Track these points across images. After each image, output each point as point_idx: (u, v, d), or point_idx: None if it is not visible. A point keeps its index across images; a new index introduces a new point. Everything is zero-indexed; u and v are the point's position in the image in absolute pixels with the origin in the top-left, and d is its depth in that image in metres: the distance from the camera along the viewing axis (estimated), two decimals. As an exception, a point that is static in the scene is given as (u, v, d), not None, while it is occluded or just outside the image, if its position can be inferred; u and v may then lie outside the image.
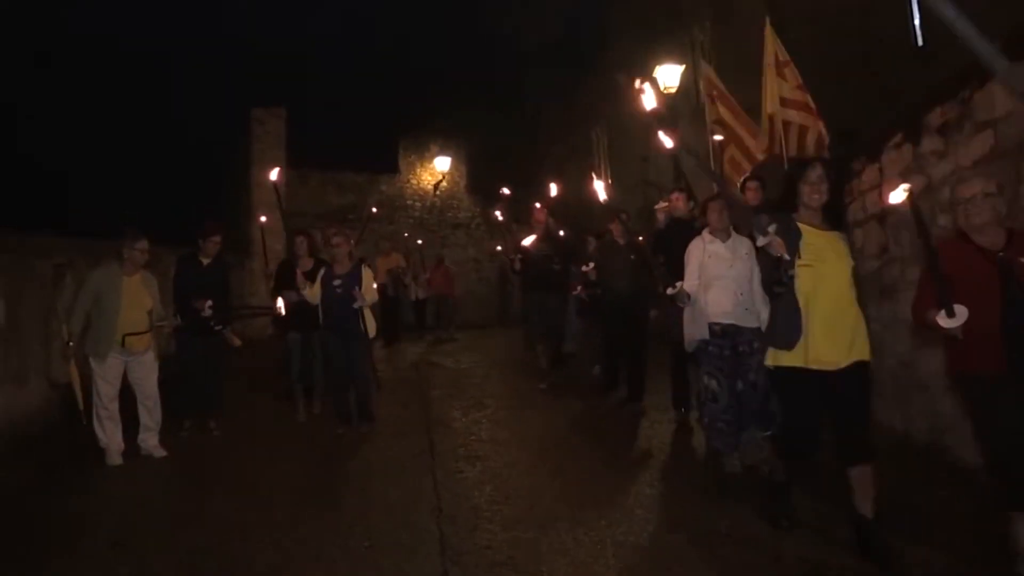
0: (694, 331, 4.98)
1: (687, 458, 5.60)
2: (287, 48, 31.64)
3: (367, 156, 21.05)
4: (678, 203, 6.49)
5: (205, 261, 6.73)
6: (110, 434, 5.81)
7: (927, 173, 5.21)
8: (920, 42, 10.63)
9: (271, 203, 18.21)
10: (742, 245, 4.98)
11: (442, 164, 21.22)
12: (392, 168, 21.38)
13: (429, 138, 21.50)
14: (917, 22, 11.49)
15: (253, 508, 4.73)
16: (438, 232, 21.12)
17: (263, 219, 10.23)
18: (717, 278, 4.93)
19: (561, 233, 8.80)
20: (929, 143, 5.19)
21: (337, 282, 6.64)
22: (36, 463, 5.88)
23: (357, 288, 6.51)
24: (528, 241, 8.35)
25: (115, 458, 5.80)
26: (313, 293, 6.68)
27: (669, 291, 4.90)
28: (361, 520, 4.43)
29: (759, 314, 4.58)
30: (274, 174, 7.94)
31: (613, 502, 4.61)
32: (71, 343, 5.81)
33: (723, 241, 5.04)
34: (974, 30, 1.75)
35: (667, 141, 4.35)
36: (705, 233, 5.15)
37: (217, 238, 6.74)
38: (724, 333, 4.90)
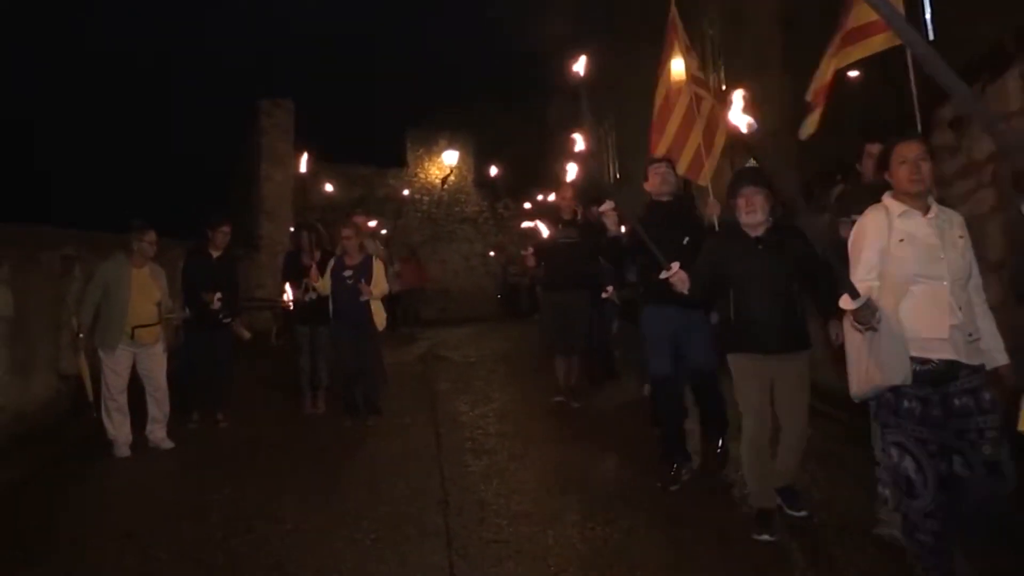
0: (882, 369, 2.90)
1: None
2: (295, 41, 31.68)
3: (375, 149, 21.08)
4: (654, 179, 4.94)
5: (215, 253, 6.74)
6: (118, 426, 5.82)
7: (939, 168, 5.15)
8: (931, 36, 10.55)
9: (280, 197, 18.35)
10: (952, 222, 3.05)
11: (450, 158, 21.21)
12: (400, 162, 21.38)
13: (437, 132, 21.48)
14: (928, 16, 11.43)
15: (259, 500, 4.74)
16: (445, 226, 21.14)
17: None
18: (919, 278, 2.93)
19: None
20: (940, 137, 5.14)
21: (347, 273, 6.65)
22: (44, 455, 5.90)
23: (363, 281, 6.53)
24: (544, 228, 6.85)
25: (123, 450, 5.82)
26: (323, 285, 6.72)
27: (664, 274, 3.94)
28: (368, 513, 4.43)
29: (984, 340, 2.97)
30: (303, 164, 8.12)
31: (621, 496, 4.59)
32: (81, 335, 5.84)
33: (923, 214, 3.02)
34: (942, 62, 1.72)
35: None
36: (888, 199, 3.09)
37: (227, 228, 6.77)
38: (933, 376, 2.90)
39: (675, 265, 3.87)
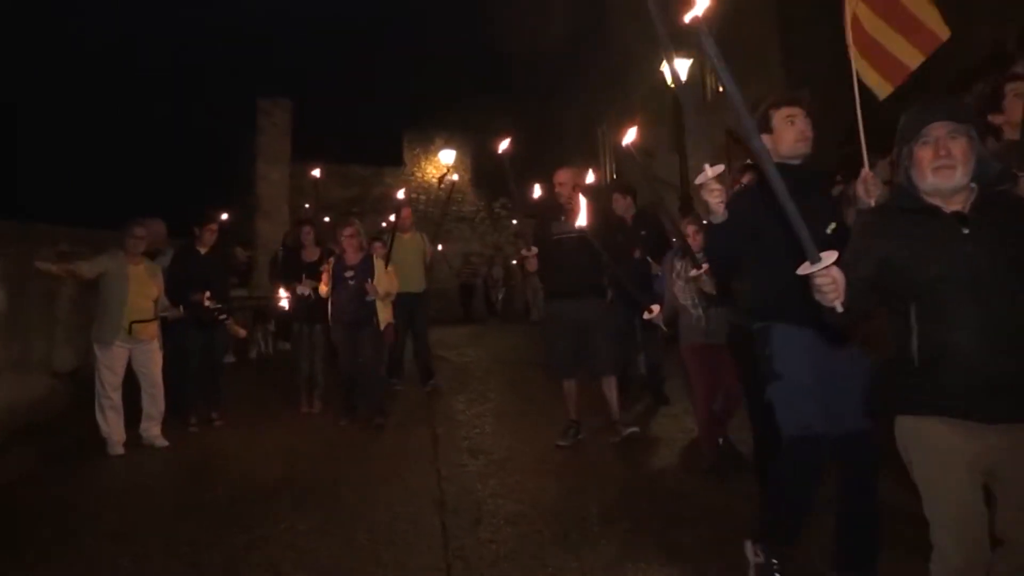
0: None
1: (698, 454, 5.54)
2: (293, 41, 31.63)
3: (372, 149, 21.08)
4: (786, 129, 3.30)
5: (203, 251, 6.69)
6: (112, 424, 5.79)
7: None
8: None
9: (277, 196, 18.31)
10: None
11: (447, 157, 21.20)
12: (396, 161, 21.37)
13: (434, 131, 21.48)
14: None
15: (254, 500, 4.70)
16: (442, 225, 21.12)
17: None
18: None
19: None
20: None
21: (349, 273, 6.52)
22: (37, 452, 5.87)
23: (370, 280, 6.41)
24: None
25: (117, 448, 5.78)
26: (324, 289, 6.59)
27: (809, 268, 2.19)
28: (364, 513, 4.40)
29: None
30: (316, 172, 8.33)
31: (619, 497, 4.57)
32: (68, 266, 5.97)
33: None
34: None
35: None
36: None
37: (214, 226, 6.72)
38: None
39: (829, 256, 2.13)
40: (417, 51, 31.20)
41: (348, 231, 6.63)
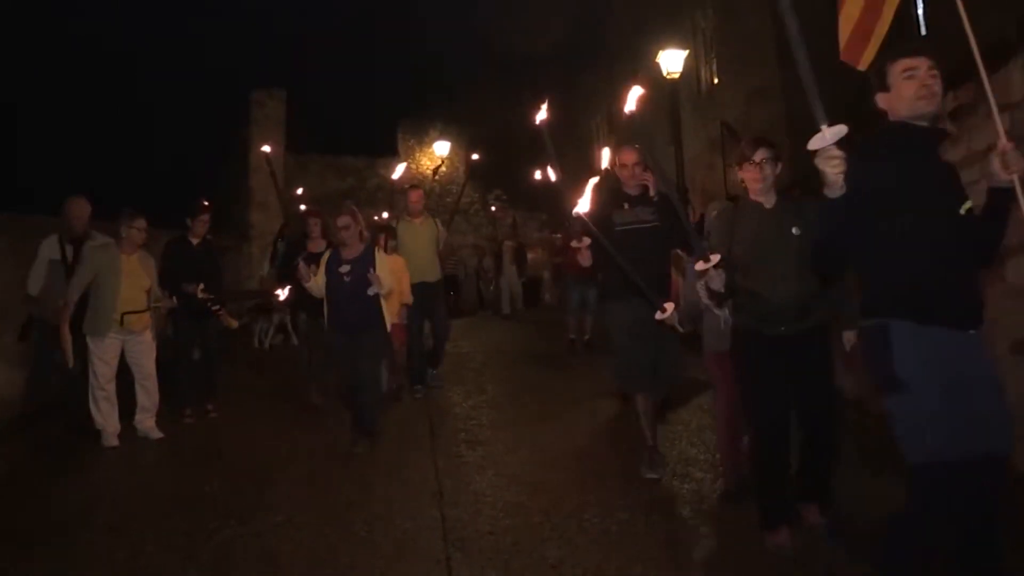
0: None
1: (700, 448, 5.53)
2: (287, 31, 31.46)
3: (366, 140, 21.00)
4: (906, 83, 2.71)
5: (195, 242, 6.63)
6: (106, 415, 5.74)
7: (939, 158, 5.12)
8: (924, 31, 10.57)
9: (270, 187, 18.19)
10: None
11: (441, 148, 21.12)
12: (391, 152, 21.29)
13: (429, 122, 21.41)
14: (920, 12, 11.43)
15: (250, 492, 4.67)
16: (438, 216, 21.06)
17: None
18: None
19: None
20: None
21: (345, 268, 5.59)
22: (31, 444, 5.82)
23: (372, 270, 5.53)
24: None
25: (111, 440, 5.74)
26: (317, 283, 5.66)
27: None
28: (361, 504, 4.38)
29: None
30: (266, 148, 7.86)
31: (618, 487, 4.55)
32: (66, 307, 5.68)
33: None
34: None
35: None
36: None
37: (206, 217, 6.63)
38: None
39: (840, 129, 2.38)
40: (412, 42, 31.08)
41: (342, 220, 5.68)
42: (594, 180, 4.25)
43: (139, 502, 4.61)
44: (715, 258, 3.16)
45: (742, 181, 3.76)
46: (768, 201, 3.65)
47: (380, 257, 5.80)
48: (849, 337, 3.73)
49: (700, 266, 3.15)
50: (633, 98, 3.51)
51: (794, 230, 3.50)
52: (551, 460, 5.22)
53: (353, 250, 5.68)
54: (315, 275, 5.62)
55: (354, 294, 5.52)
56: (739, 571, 3.45)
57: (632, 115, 3.60)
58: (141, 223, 5.92)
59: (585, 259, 4.31)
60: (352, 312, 5.57)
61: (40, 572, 3.64)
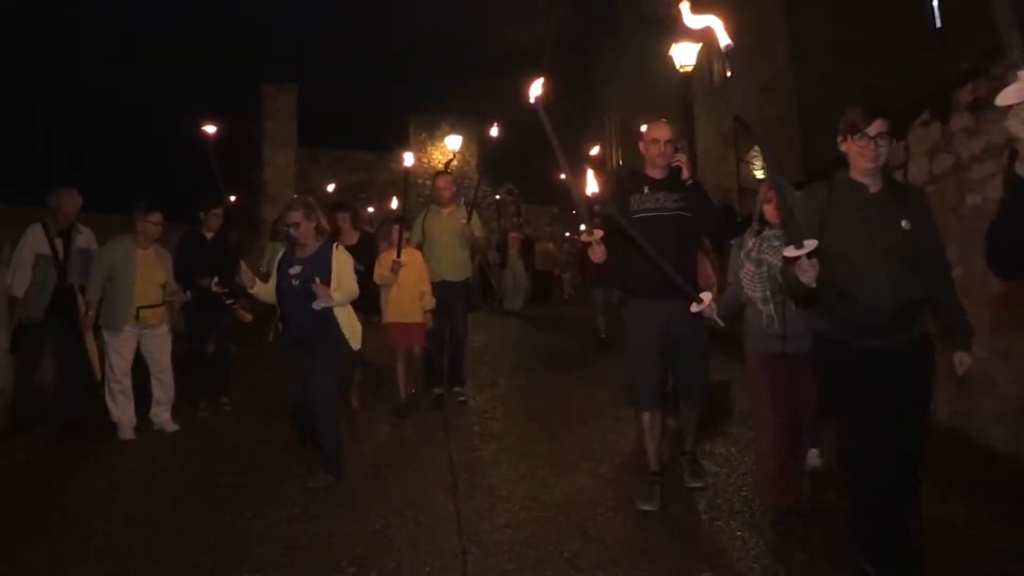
0: None
1: (715, 441, 5.49)
2: (299, 26, 31.49)
3: (378, 134, 21.01)
4: None
5: (208, 235, 6.64)
6: (122, 409, 5.78)
7: (956, 151, 5.09)
8: (938, 24, 10.49)
9: (282, 181, 18.28)
10: None
11: (453, 143, 21.13)
12: (402, 146, 21.29)
13: (440, 116, 21.40)
14: (936, 3, 11.34)
15: (266, 484, 4.68)
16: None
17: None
18: None
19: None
20: (959, 121, 5.07)
21: (295, 269, 4.72)
22: (47, 437, 5.85)
23: (317, 280, 4.62)
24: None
25: (127, 433, 5.77)
26: (266, 288, 4.87)
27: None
28: (376, 498, 4.38)
29: None
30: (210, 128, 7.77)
31: (633, 481, 4.52)
32: (89, 312, 5.79)
33: None
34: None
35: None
36: None
37: (219, 210, 6.62)
38: None
39: (811, 243, 2.42)
40: (424, 37, 31.06)
41: (293, 217, 4.74)
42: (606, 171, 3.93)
43: (155, 494, 4.64)
44: (811, 244, 2.48)
45: (843, 156, 3.02)
46: (874, 184, 2.96)
47: (338, 257, 4.81)
48: (962, 359, 3.01)
49: (791, 252, 2.51)
50: (536, 89, 3.19)
51: (903, 223, 2.87)
52: (565, 453, 5.21)
53: (307, 248, 4.80)
54: (256, 287, 4.86)
55: (304, 300, 4.63)
56: (756, 565, 3.43)
57: (535, 105, 3.20)
58: (156, 217, 5.93)
59: (598, 255, 3.69)
60: (301, 322, 4.67)
61: (58, 563, 3.66)
